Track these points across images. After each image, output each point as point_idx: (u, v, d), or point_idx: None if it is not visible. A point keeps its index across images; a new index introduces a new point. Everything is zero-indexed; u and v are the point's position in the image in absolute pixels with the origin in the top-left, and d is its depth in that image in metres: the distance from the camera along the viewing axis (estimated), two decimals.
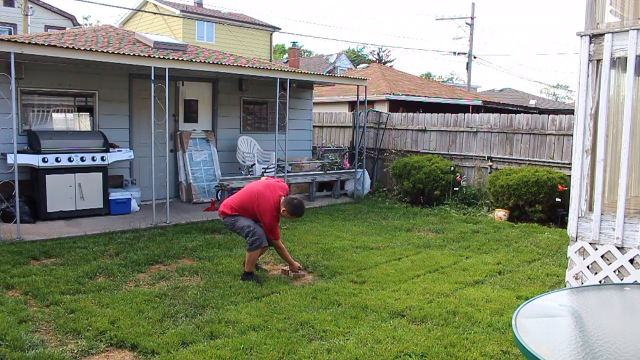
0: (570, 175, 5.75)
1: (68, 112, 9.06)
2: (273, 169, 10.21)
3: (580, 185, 4.56)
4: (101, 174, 8.52)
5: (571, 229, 4.64)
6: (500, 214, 9.30)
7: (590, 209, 4.55)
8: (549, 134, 9.85)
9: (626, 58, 4.29)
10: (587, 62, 4.46)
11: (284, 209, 5.37)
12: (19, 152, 7.51)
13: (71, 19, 27.77)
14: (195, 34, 25.96)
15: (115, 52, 7.83)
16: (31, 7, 19.40)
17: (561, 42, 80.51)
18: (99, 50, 7.69)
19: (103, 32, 10.73)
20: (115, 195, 8.80)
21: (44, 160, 7.89)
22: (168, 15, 25.72)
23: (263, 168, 10.28)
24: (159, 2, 26.61)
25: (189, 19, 25.55)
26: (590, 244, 4.54)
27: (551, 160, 9.78)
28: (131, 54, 8.01)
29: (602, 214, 4.46)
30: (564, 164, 9.50)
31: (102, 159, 8.48)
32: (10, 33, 23.81)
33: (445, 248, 7.13)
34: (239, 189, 8.53)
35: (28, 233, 7.18)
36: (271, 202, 5.37)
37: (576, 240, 4.62)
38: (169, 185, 8.83)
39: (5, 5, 25.07)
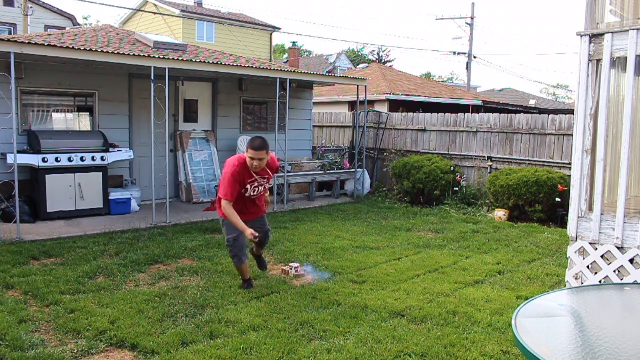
0: (570, 175, 5.75)
1: (68, 112, 9.06)
2: None
3: (580, 185, 4.57)
4: (101, 174, 8.53)
5: (571, 229, 4.64)
6: (500, 214, 9.30)
7: (590, 209, 4.55)
8: (549, 134, 9.85)
9: (626, 58, 4.29)
10: (587, 62, 4.46)
11: (247, 149, 5.07)
12: (19, 152, 7.51)
13: (71, 19, 27.77)
14: (195, 34, 25.96)
15: (115, 52, 7.83)
16: (31, 7, 19.39)
17: (561, 42, 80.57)
18: (99, 50, 7.69)
19: (103, 32, 10.73)
20: (115, 195, 8.80)
21: (44, 160, 7.89)
22: (168, 15, 25.71)
23: None
24: (159, 2, 26.60)
25: (189, 19, 25.55)
26: (590, 244, 4.54)
27: (551, 160, 9.78)
28: (131, 54, 8.01)
29: (602, 214, 4.46)
30: (564, 164, 9.50)
31: (102, 159, 8.48)
32: (10, 33, 23.81)
33: (445, 248, 7.13)
34: None
35: (28, 233, 7.18)
36: (230, 164, 5.07)
37: (576, 240, 4.62)
38: (169, 185, 8.83)
39: (5, 5, 25.06)
